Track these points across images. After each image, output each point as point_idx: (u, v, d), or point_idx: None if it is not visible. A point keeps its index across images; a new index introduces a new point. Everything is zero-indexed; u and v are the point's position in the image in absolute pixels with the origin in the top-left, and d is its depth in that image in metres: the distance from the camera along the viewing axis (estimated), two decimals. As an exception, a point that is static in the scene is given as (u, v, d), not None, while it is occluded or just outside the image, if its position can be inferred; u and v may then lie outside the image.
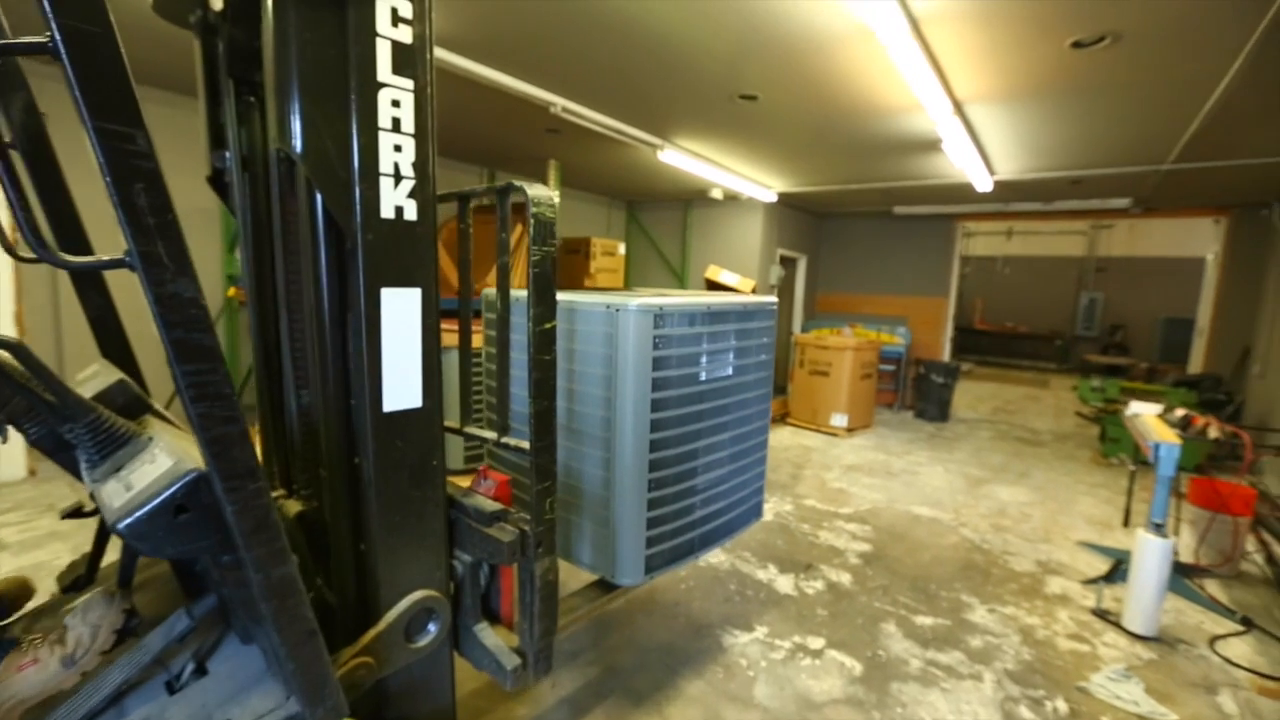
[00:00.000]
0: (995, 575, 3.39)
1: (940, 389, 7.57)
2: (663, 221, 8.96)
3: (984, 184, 5.95)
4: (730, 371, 2.18)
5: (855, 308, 9.25)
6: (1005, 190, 6.66)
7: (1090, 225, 14.26)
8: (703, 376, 2.06)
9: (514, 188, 1.60)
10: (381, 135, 1.25)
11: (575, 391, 1.97)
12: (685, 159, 5.69)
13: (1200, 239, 12.35)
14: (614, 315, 1.85)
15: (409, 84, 1.28)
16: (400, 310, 1.33)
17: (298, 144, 1.17)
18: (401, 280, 1.33)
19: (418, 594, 1.41)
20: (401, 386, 1.35)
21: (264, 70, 1.35)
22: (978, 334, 15.10)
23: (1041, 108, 3.99)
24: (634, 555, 1.95)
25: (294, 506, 1.57)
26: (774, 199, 7.59)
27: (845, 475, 5.18)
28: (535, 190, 1.51)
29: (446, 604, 1.47)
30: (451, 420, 1.78)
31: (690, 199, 8.44)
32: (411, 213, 1.32)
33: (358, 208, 1.24)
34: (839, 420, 6.63)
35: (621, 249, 7.72)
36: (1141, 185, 6.21)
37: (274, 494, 1.58)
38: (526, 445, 1.55)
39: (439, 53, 3.50)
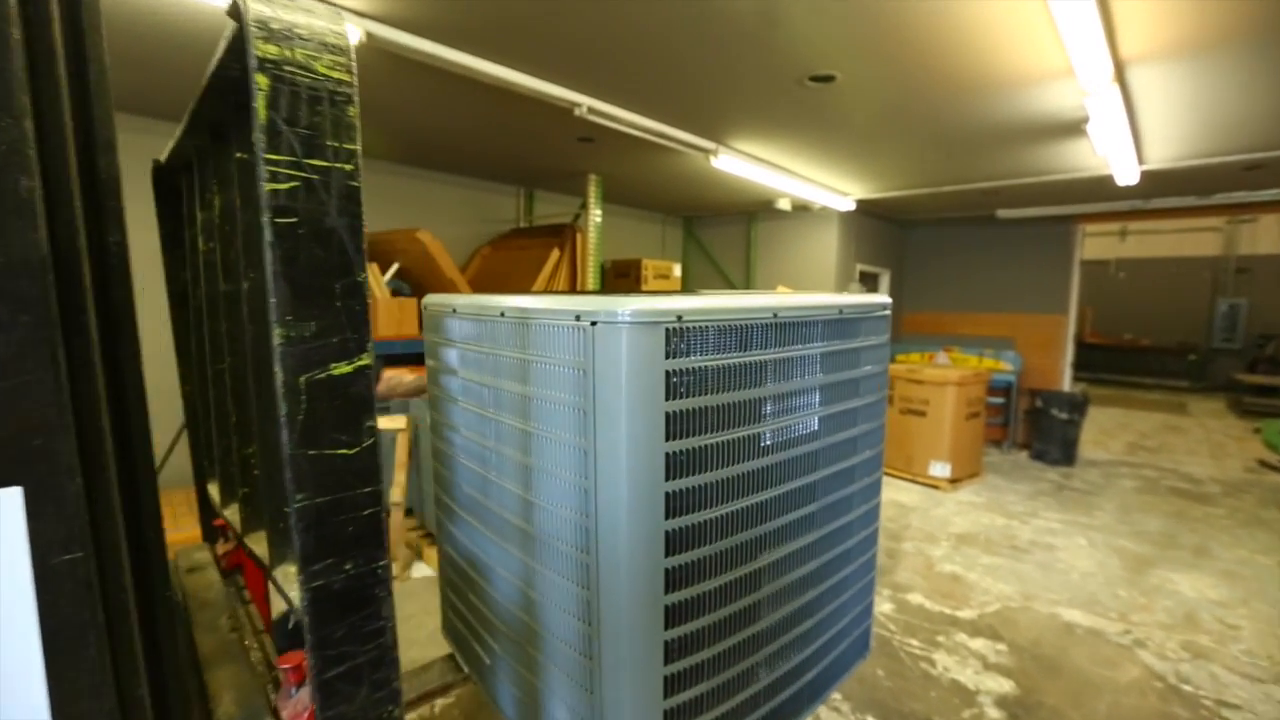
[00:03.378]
0: (1220, 751, 2.27)
1: (1064, 426, 6.25)
2: (724, 238, 8.08)
3: (1128, 175, 4.74)
4: (817, 426, 1.29)
5: (949, 328, 8.00)
6: (1151, 183, 5.37)
7: (1226, 220, 12.22)
8: (767, 439, 1.18)
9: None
10: None
11: (533, 470, 1.15)
12: (743, 164, 4.81)
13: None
14: (587, 334, 1.00)
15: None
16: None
17: None
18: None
19: None
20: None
21: None
22: (1089, 348, 13.22)
23: (1239, 63, 2.86)
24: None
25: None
26: (851, 207, 6.57)
27: (957, 551, 4.08)
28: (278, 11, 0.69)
29: None
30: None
31: (754, 211, 7.53)
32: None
33: None
34: (940, 470, 5.48)
35: (677, 270, 6.90)
36: (1343, 168, 4.80)
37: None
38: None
39: (430, 48, 2.81)
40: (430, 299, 1.54)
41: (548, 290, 5.35)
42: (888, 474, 5.88)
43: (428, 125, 4.24)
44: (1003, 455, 6.76)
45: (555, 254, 5.45)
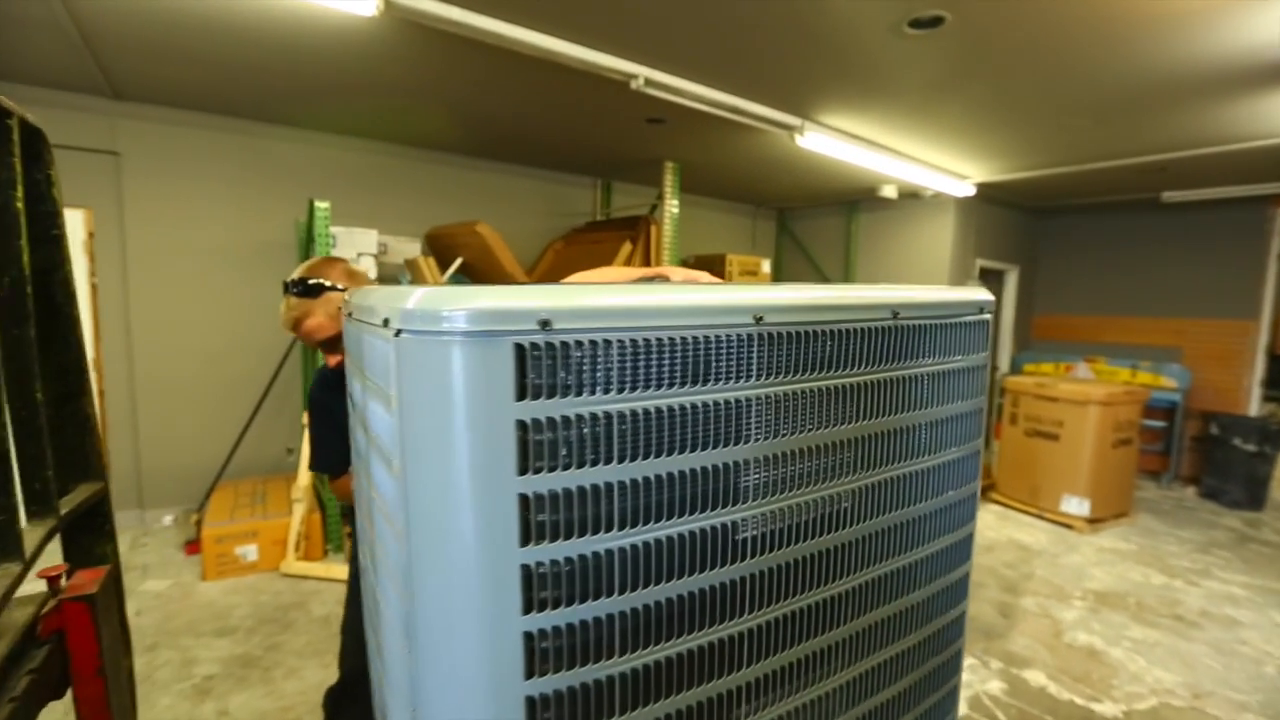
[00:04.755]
0: None
1: (1249, 460, 5.01)
2: (821, 232, 7.35)
3: (1359, 140, 3.60)
4: (849, 504, 0.80)
5: (1092, 335, 6.77)
6: (1390, 150, 4.10)
7: None
8: (747, 530, 0.71)
9: None
10: None
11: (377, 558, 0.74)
12: (835, 143, 4.18)
13: None
14: (392, 349, 0.58)
15: None
16: None
17: None
18: None
19: None
20: None
21: None
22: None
23: None
24: None
25: None
26: (970, 192, 5.66)
27: (1095, 615, 3.25)
28: None
29: None
30: None
31: (855, 201, 6.75)
32: None
33: None
34: (1076, 506, 4.53)
35: (766, 266, 6.33)
36: None
37: None
38: None
39: (458, 14, 2.52)
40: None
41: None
42: (1007, 503, 4.98)
43: (488, 111, 4.01)
44: (1161, 491, 5.56)
45: (627, 248, 5.08)
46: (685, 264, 6.96)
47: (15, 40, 3.00)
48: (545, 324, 0.54)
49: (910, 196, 6.14)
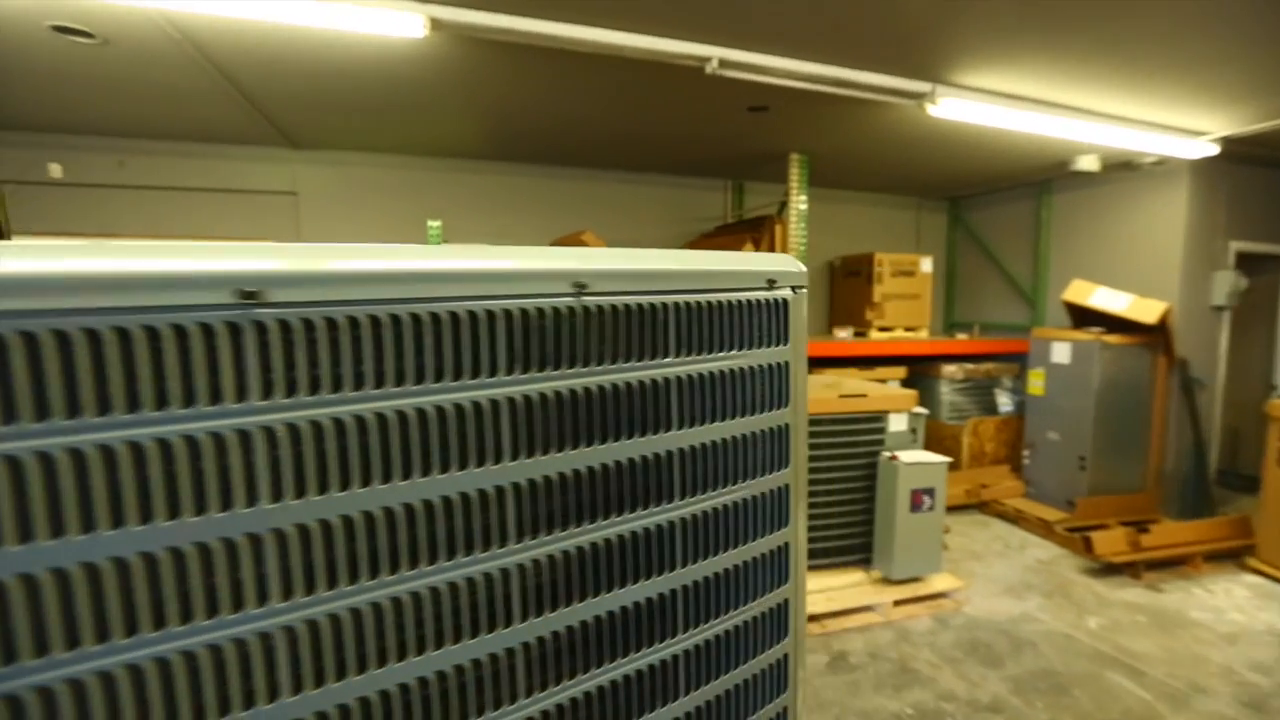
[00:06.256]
0: None
1: None
2: (1002, 221, 6.18)
3: None
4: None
5: None
6: None
7: None
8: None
9: None
10: None
11: None
12: (984, 108, 3.42)
13: None
14: None
15: None
16: None
17: None
18: None
19: None
20: None
21: None
22: None
23: None
24: None
25: None
26: (1211, 152, 4.28)
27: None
28: None
29: None
30: None
31: (1044, 180, 5.56)
32: None
33: None
34: (1388, 589, 3.11)
35: (926, 265, 5.52)
36: None
37: None
38: None
39: (507, 22, 2.50)
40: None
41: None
42: (1269, 576, 3.62)
43: (578, 116, 3.99)
44: None
45: (747, 250, 4.72)
46: (832, 267, 6.31)
47: (199, 109, 3.67)
48: None
49: (1120, 167, 4.86)
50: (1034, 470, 4.80)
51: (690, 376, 0.61)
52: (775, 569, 0.70)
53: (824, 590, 3.15)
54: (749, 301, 0.65)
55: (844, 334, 5.48)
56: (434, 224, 3.82)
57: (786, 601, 0.72)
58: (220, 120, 3.91)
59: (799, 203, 4.67)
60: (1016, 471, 5.02)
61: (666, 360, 0.60)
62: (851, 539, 3.34)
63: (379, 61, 3.00)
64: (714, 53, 2.83)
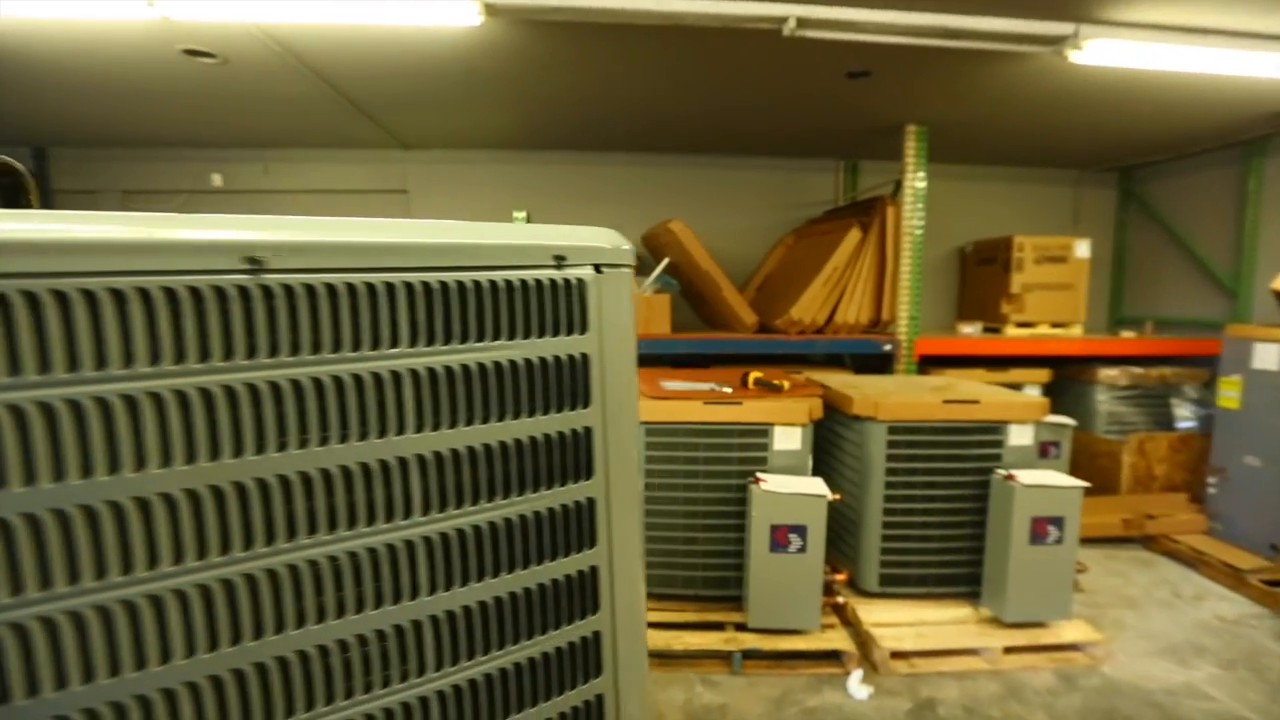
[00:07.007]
0: None
1: None
2: (1192, 194, 5.05)
3: None
4: None
5: None
6: None
7: None
8: None
9: None
10: None
11: None
12: (1148, 48, 2.74)
13: None
14: None
15: None
16: None
17: None
18: None
19: None
20: None
21: None
22: None
23: None
24: None
25: None
26: None
27: None
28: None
29: None
30: None
31: (1251, 140, 4.43)
32: None
33: None
34: None
35: (1082, 249, 4.71)
36: None
37: None
38: None
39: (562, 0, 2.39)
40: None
41: (832, 283, 4.24)
42: None
43: (654, 99, 3.80)
44: None
45: (853, 237, 4.28)
46: (963, 253, 5.55)
47: (319, 117, 3.99)
48: None
49: (1369, 117, 3.73)
50: (1222, 502, 3.86)
51: (432, 371, 0.44)
52: (573, 598, 0.51)
53: (915, 624, 2.73)
54: (524, 282, 0.46)
55: (970, 329, 4.79)
56: (519, 214, 3.85)
57: (597, 635, 0.53)
58: (339, 127, 4.23)
59: (916, 180, 4.13)
60: (1197, 502, 4.07)
61: (393, 351, 0.43)
62: (954, 568, 2.87)
63: (451, 55, 3.04)
64: (790, 10, 2.51)
